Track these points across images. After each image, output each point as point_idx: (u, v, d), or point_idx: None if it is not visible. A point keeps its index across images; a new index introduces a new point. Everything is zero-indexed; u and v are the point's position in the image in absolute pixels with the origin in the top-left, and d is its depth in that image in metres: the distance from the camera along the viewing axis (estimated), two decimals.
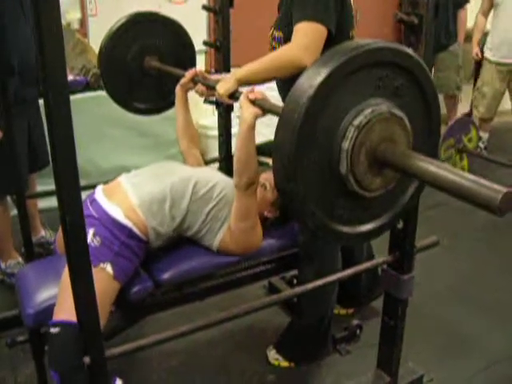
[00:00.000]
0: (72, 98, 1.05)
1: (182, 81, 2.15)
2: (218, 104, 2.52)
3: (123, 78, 2.41)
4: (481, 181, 1.01)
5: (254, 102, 1.67)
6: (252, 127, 1.70)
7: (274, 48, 2.01)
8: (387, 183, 1.23)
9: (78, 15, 3.93)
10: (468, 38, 4.82)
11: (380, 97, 1.18)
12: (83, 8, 3.92)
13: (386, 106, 1.16)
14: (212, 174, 2.00)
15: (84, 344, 1.24)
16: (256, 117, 1.68)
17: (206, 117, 4.33)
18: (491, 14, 4.41)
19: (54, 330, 1.59)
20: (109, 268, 1.66)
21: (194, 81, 2.12)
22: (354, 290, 2.51)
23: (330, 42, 1.77)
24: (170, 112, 2.52)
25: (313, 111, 1.08)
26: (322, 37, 1.76)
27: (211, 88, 2.01)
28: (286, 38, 1.88)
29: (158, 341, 1.42)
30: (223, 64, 2.51)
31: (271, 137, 1.15)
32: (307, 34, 1.75)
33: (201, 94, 2.12)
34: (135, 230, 1.75)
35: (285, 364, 2.25)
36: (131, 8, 3.97)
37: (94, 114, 3.47)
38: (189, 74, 2.12)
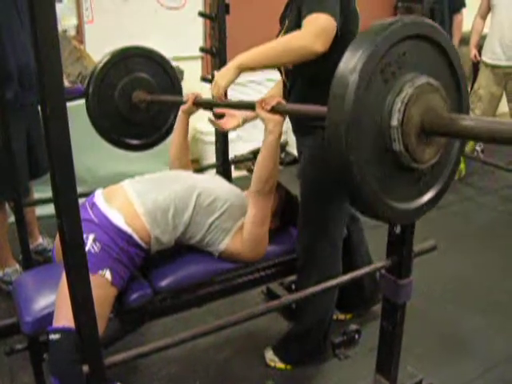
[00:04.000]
0: (68, 104, 1.05)
1: (185, 106, 2.13)
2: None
3: (113, 116, 2.39)
4: None
5: (272, 110, 1.66)
6: (281, 135, 1.74)
7: None
8: (438, 151, 1.23)
9: (74, 22, 3.94)
10: (465, 41, 4.83)
11: (409, 72, 1.18)
12: (79, 14, 3.93)
13: (423, 78, 1.17)
14: (216, 184, 1.98)
15: (82, 353, 1.23)
16: (281, 124, 1.70)
17: (202, 121, 4.33)
18: (489, 16, 4.42)
19: (53, 337, 1.58)
20: (107, 274, 1.65)
21: (196, 103, 2.10)
22: (358, 296, 2.51)
23: (336, 43, 1.76)
24: None
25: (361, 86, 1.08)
26: (332, 28, 1.67)
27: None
28: None
29: (158, 348, 1.42)
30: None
31: None
32: (318, 24, 1.66)
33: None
34: (135, 237, 1.74)
35: (280, 366, 2.25)
36: (127, 15, 4.01)
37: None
38: (189, 98, 2.11)
